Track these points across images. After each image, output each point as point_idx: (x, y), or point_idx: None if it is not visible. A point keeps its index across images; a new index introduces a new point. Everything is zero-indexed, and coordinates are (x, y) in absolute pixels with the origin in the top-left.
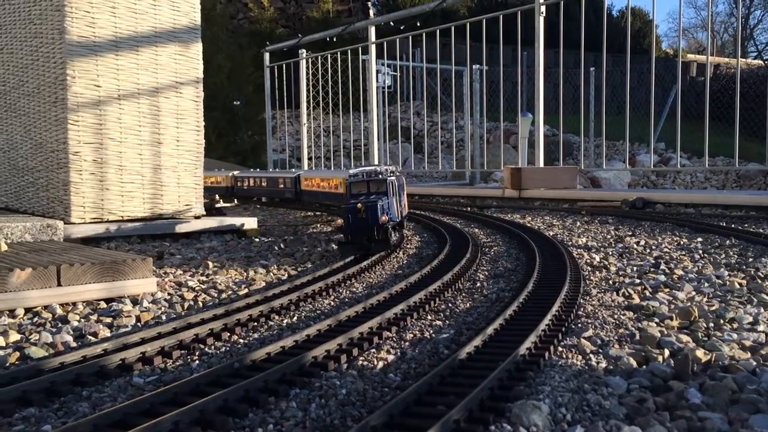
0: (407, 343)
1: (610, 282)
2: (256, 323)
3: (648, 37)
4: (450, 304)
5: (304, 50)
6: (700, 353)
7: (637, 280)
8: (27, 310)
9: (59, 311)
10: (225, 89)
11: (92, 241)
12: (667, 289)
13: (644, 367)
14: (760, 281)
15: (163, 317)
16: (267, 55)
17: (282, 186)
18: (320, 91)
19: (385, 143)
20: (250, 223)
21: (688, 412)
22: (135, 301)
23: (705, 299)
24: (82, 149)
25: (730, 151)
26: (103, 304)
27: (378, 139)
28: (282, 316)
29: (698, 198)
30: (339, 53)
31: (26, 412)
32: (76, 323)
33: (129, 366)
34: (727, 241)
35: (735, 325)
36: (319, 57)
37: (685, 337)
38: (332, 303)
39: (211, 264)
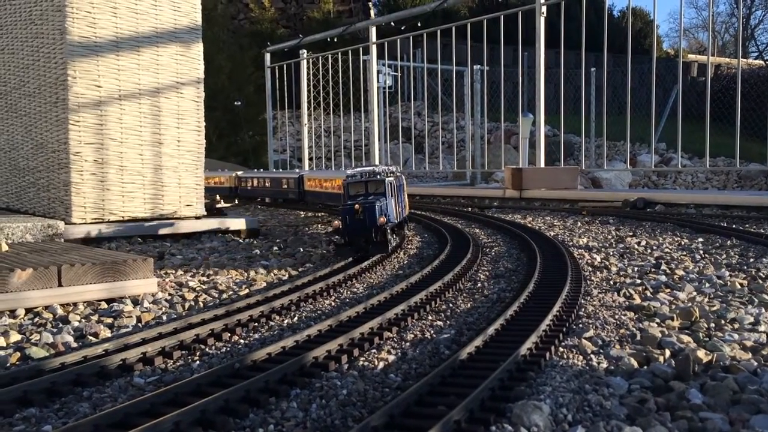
0: (408, 344)
1: (611, 282)
2: (256, 323)
3: (649, 38)
4: (451, 305)
5: (304, 51)
6: (701, 353)
7: (638, 281)
8: (28, 311)
9: (60, 311)
10: (226, 90)
11: (93, 241)
12: (668, 290)
13: (645, 367)
14: (761, 281)
15: (164, 317)
16: (268, 56)
17: (285, 186)
18: (321, 91)
19: (386, 143)
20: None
21: (689, 413)
22: (136, 302)
23: (706, 299)
24: (83, 149)
25: (731, 152)
26: (103, 305)
27: (379, 139)
28: (283, 316)
29: (699, 198)
30: (340, 54)
31: (27, 413)
32: (76, 323)
33: (130, 366)
34: (728, 242)
35: (736, 326)
36: (320, 57)
37: (686, 338)
38: (333, 303)
39: (211, 264)
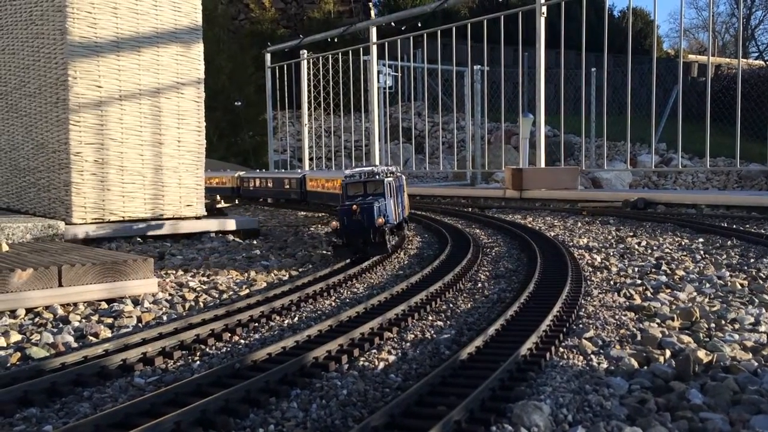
0: (408, 344)
1: (612, 283)
2: (257, 324)
3: (649, 38)
4: (451, 305)
5: (305, 51)
6: (701, 354)
7: (639, 281)
8: (28, 311)
9: (60, 312)
10: (226, 90)
11: (93, 241)
12: (669, 290)
13: (645, 367)
14: (761, 282)
15: (164, 318)
16: (268, 56)
17: (288, 187)
18: (321, 91)
19: (387, 144)
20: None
21: (690, 413)
22: (136, 302)
23: (706, 300)
24: (83, 150)
25: (731, 152)
26: (104, 305)
27: (379, 139)
28: (283, 316)
29: (699, 198)
30: (340, 54)
31: (27, 413)
32: (77, 324)
33: (130, 366)
34: (729, 242)
35: (736, 326)
36: (320, 58)
37: (686, 338)
38: (333, 303)
39: (211, 264)
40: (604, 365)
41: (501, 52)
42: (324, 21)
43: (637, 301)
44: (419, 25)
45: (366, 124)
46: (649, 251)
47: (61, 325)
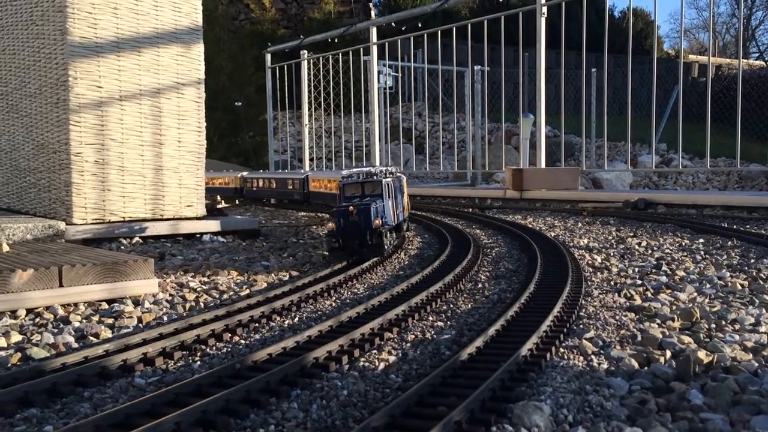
0: (408, 344)
1: (612, 283)
2: (257, 324)
3: (649, 38)
4: (451, 305)
5: (305, 51)
6: (701, 354)
7: (639, 281)
8: (29, 311)
9: (61, 312)
10: (226, 90)
11: (94, 241)
12: (669, 290)
13: (646, 368)
14: (761, 282)
15: (165, 318)
16: (268, 56)
17: (291, 187)
18: (322, 92)
19: (387, 144)
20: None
21: (690, 414)
22: (136, 302)
23: (707, 300)
24: (83, 150)
25: (731, 152)
26: (104, 305)
27: (379, 140)
28: (283, 316)
29: (700, 199)
30: (340, 54)
31: (28, 413)
32: (77, 324)
33: (131, 367)
34: (729, 242)
35: (737, 326)
36: (321, 58)
37: (686, 338)
38: (333, 304)
39: (212, 265)
40: (605, 366)
41: (501, 53)
42: (324, 21)
43: (638, 301)
44: (419, 25)
45: (366, 125)
46: (650, 252)
47: (61, 326)
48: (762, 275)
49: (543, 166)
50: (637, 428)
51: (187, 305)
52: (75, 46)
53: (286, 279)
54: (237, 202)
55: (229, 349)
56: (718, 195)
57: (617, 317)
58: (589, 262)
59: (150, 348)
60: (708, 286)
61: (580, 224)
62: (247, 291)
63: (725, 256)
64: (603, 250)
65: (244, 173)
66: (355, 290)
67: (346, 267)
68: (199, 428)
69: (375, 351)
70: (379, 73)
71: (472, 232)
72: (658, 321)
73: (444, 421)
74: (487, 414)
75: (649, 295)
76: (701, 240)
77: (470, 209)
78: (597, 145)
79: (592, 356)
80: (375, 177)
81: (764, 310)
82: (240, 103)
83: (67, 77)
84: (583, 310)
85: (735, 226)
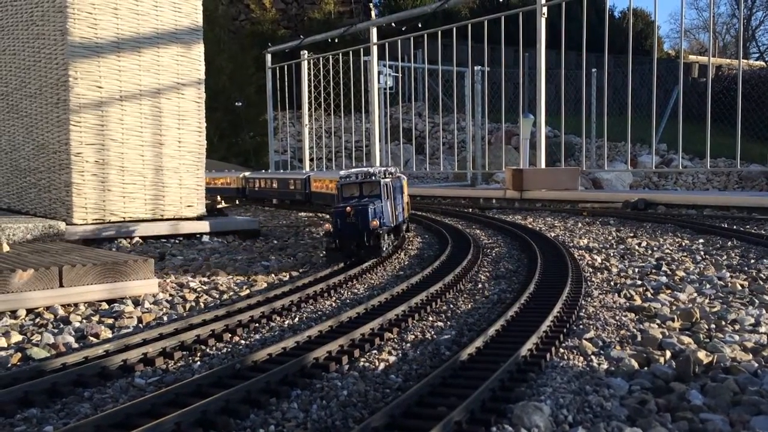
0: (408, 344)
1: (612, 283)
2: (257, 324)
3: (650, 38)
4: (451, 306)
5: (305, 51)
6: (701, 355)
7: (639, 282)
8: (29, 311)
9: (61, 312)
10: (227, 90)
11: (94, 242)
12: (669, 291)
13: (646, 368)
14: (761, 282)
15: (165, 318)
16: (269, 57)
17: (292, 187)
18: (322, 92)
19: (387, 144)
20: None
21: (690, 414)
22: (136, 302)
23: (706, 301)
24: (84, 150)
25: (731, 153)
26: (104, 305)
27: (380, 140)
28: (283, 317)
29: (700, 199)
30: (341, 54)
31: (28, 413)
32: (77, 324)
33: (131, 367)
34: (729, 243)
35: (737, 327)
36: (321, 58)
37: (686, 339)
38: (333, 304)
39: (212, 265)
40: (605, 366)
41: (501, 53)
42: (324, 21)
43: (638, 301)
44: (420, 25)
45: (366, 125)
46: (650, 252)
47: (61, 326)
48: (762, 275)
49: (543, 166)
50: (637, 428)
51: (187, 305)
52: (75, 47)
53: (286, 279)
54: (237, 202)
55: (229, 350)
56: (718, 195)
57: (617, 317)
58: (589, 262)
59: (150, 348)
60: (708, 286)
61: (580, 224)
62: (247, 291)
63: (725, 257)
64: (603, 250)
65: (246, 173)
66: (355, 290)
67: (346, 267)
68: (199, 428)
69: (375, 351)
70: (379, 73)
71: (472, 232)
72: (658, 321)
73: (444, 422)
74: (487, 414)
75: (649, 295)
76: (701, 240)
77: (470, 209)
78: (597, 145)
79: (592, 356)
80: (373, 177)
81: (764, 311)
82: (240, 104)
83: (68, 77)
84: (583, 311)
85: (735, 227)
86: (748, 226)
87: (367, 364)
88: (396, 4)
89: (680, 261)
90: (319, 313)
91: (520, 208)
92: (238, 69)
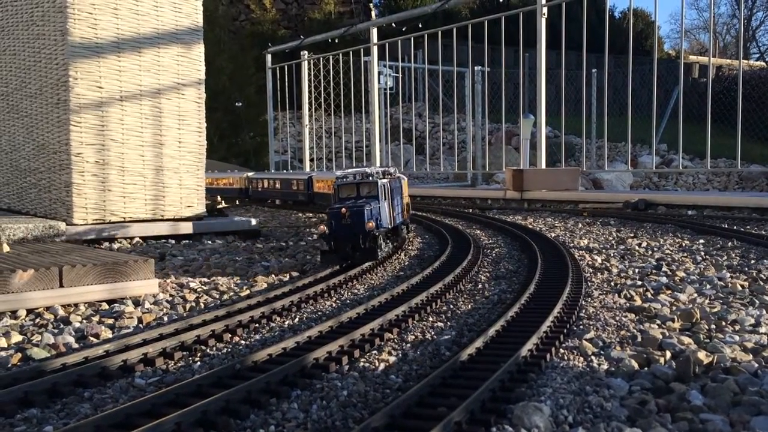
0: (408, 345)
1: (612, 284)
2: (257, 324)
3: (650, 39)
4: (451, 306)
5: (306, 52)
6: (701, 355)
7: (639, 282)
8: (29, 311)
9: (61, 312)
10: (227, 90)
11: (94, 242)
12: (669, 291)
13: (646, 368)
14: (762, 283)
15: (165, 318)
16: (269, 57)
17: (295, 188)
18: (322, 92)
19: (387, 144)
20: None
21: (690, 414)
22: (137, 303)
23: (707, 301)
24: (84, 150)
25: (732, 153)
26: (104, 306)
27: (380, 140)
28: (283, 317)
29: (700, 200)
30: (341, 55)
31: (28, 413)
32: (77, 324)
33: (131, 367)
34: (729, 243)
35: (737, 327)
36: (321, 58)
37: (686, 339)
38: (334, 304)
39: (212, 265)
40: (605, 366)
41: (502, 53)
42: (325, 22)
43: (638, 302)
44: (420, 25)
45: (367, 125)
46: (650, 252)
47: (61, 326)
48: (762, 276)
49: (543, 166)
50: (637, 429)
51: (188, 306)
52: (75, 47)
53: (287, 280)
54: (237, 202)
55: (229, 350)
56: (718, 196)
57: (617, 318)
58: (590, 262)
59: (150, 348)
60: (708, 286)
61: (580, 225)
62: (248, 291)
63: (725, 257)
64: (603, 250)
65: (249, 174)
66: (356, 291)
67: (346, 267)
68: (199, 428)
69: (375, 351)
70: (379, 73)
71: (472, 232)
72: (658, 322)
73: (444, 422)
74: (487, 414)
75: (650, 295)
76: (701, 241)
77: (470, 210)
78: (597, 145)
79: (592, 357)
80: (370, 178)
81: (764, 311)
82: (240, 104)
83: (68, 78)
84: (583, 311)
85: (735, 227)
86: (748, 227)
87: (367, 364)
88: (396, 4)
89: (680, 261)
90: (319, 313)
91: (521, 208)
92: (238, 69)
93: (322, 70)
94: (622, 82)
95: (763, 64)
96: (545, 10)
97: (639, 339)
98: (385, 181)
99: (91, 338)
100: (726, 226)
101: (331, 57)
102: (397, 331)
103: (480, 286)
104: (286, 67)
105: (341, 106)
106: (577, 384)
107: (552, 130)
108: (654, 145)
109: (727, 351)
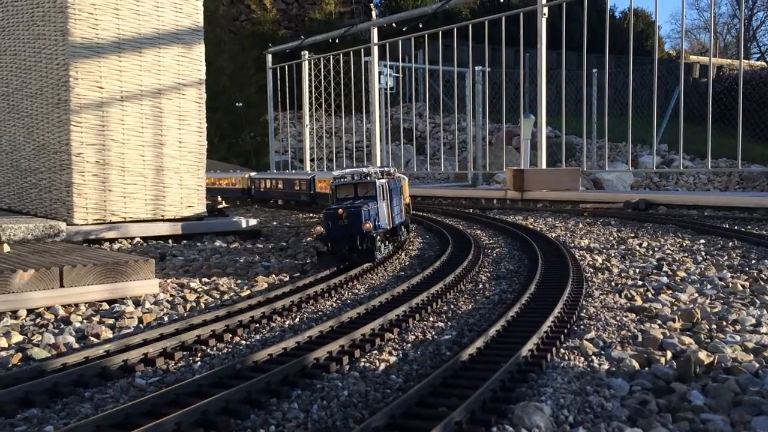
0: (409, 345)
1: (613, 284)
2: (258, 324)
3: (651, 39)
4: (452, 306)
5: (306, 52)
6: (702, 355)
7: (640, 282)
8: (29, 311)
9: (61, 312)
10: (227, 91)
11: (94, 242)
12: (670, 291)
13: (646, 368)
14: (762, 283)
15: (166, 318)
16: (269, 57)
17: (298, 188)
18: (322, 92)
19: (388, 145)
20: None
21: (691, 414)
22: (137, 303)
23: (707, 301)
24: (84, 151)
25: (732, 153)
26: (105, 306)
27: (380, 140)
28: (284, 317)
29: (701, 200)
30: (341, 55)
31: (29, 413)
32: (78, 324)
33: (131, 367)
34: (730, 243)
35: (737, 327)
36: (322, 58)
37: (687, 339)
38: (334, 304)
39: (213, 265)
40: (605, 366)
41: (502, 53)
42: (325, 22)
43: (639, 302)
44: (420, 26)
45: (367, 125)
46: (651, 252)
47: (62, 326)
48: (763, 276)
49: (544, 166)
50: (637, 429)
51: (188, 306)
52: (76, 47)
53: (287, 280)
54: (238, 203)
55: (229, 350)
56: (719, 196)
57: (618, 318)
58: (590, 262)
59: (151, 348)
60: (709, 286)
61: (581, 225)
62: (248, 291)
63: (726, 257)
64: (604, 250)
65: (252, 174)
66: (356, 291)
67: (346, 267)
68: (199, 428)
69: (376, 351)
70: (380, 73)
71: (472, 232)
72: (659, 322)
73: (444, 422)
74: (488, 414)
75: (650, 295)
76: (702, 241)
77: (471, 210)
78: (598, 145)
79: (593, 357)
80: (368, 178)
81: (765, 311)
82: (241, 104)
83: (68, 78)
84: (584, 311)
85: (736, 227)
86: (749, 227)
87: (367, 364)
88: (397, 4)
89: (681, 261)
90: (320, 313)
91: (521, 208)
92: (238, 69)
93: (322, 70)
94: (622, 82)
95: (763, 64)
96: (546, 10)
97: (640, 339)
98: (383, 181)
99: (92, 338)
100: (727, 226)
101: (331, 57)
102: (397, 331)
103: (481, 286)
104: (286, 67)
105: (342, 106)
106: (578, 384)
107: (552, 130)
108: (655, 145)
109: (728, 351)
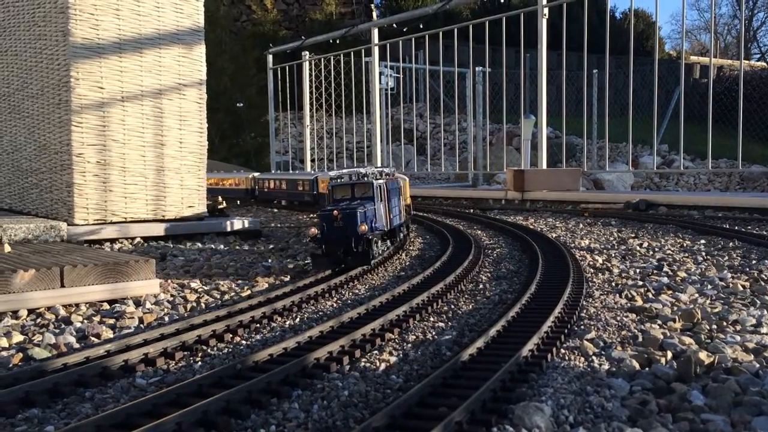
0: (409, 345)
1: (613, 284)
2: (258, 324)
3: (651, 39)
4: (452, 306)
5: (307, 52)
6: (702, 355)
7: (640, 282)
8: (30, 311)
9: (62, 312)
10: (228, 91)
11: (95, 242)
12: (670, 291)
13: (647, 369)
14: (763, 283)
15: (166, 318)
16: (270, 57)
17: (301, 188)
18: (323, 92)
19: (388, 145)
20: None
21: (691, 414)
22: (138, 303)
23: (708, 301)
24: (85, 151)
25: (733, 153)
26: (106, 306)
27: (381, 140)
28: (284, 317)
29: (701, 200)
30: (342, 55)
31: (29, 413)
32: (79, 324)
33: (132, 367)
34: (731, 243)
35: (738, 327)
36: (322, 59)
37: (687, 339)
38: (334, 304)
39: (213, 265)
40: (606, 366)
41: (503, 54)
42: (326, 22)
43: (639, 302)
44: (421, 26)
45: (368, 126)
46: (651, 253)
47: (63, 326)
48: (763, 276)
49: (544, 167)
50: (637, 429)
51: (189, 306)
52: (77, 47)
53: (287, 280)
54: (239, 203)
55: (230, 350)
56: (719, 196)
57: (618, 318)
58: (591, 263)
59: (151, 348)
60: (709, 287)
61: (581, 225)
62: (248, 291)
63: (726, 257)
64: (604, 251)
65: (256, 174)
66: (356, 291)
67: (347, 268)
68: (200, 428)
69: (376, 351)
70: (380, 74)
71: (473, 233)
72: (660, 322)
73: (445, 422)
74: (488, 415)
75: (651, 296)
76: (702, 241)
77: (471, 210)
78: (598, 146)
79: (593, 357)
80: (366, 178)
81: (765, 311)
82: (241, 104)
83: (69, 78)
84: (584, 311)
85: (736, 228)
86: (749, 227)
87: (368, 364)
88: (397, 5)
89: (681, 262)
90: (320, 313)
91: (522, 208)
92: (239, 70)
93: (323, 70)
94: (623, 82)
95: (764, 64)
96: (546, 10)
97: (640, 339)
98: (381, 181)
99: (92, 338)
100: (727, 227)
101: (332, 57)
102: (398, 331)
103: (481, 286)
104: (287, 67)
105: (342, 106)
106: (578, 384)
107: (553, 131)
108: (655, 146)
109: (729, 351)
